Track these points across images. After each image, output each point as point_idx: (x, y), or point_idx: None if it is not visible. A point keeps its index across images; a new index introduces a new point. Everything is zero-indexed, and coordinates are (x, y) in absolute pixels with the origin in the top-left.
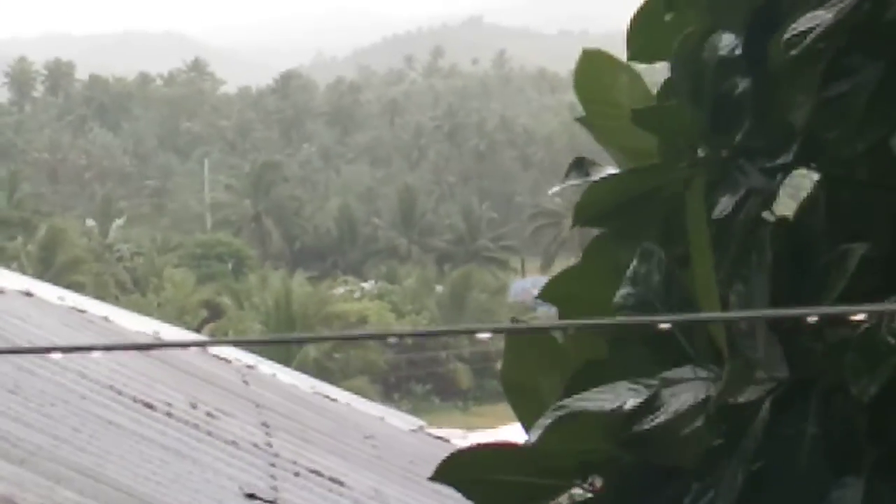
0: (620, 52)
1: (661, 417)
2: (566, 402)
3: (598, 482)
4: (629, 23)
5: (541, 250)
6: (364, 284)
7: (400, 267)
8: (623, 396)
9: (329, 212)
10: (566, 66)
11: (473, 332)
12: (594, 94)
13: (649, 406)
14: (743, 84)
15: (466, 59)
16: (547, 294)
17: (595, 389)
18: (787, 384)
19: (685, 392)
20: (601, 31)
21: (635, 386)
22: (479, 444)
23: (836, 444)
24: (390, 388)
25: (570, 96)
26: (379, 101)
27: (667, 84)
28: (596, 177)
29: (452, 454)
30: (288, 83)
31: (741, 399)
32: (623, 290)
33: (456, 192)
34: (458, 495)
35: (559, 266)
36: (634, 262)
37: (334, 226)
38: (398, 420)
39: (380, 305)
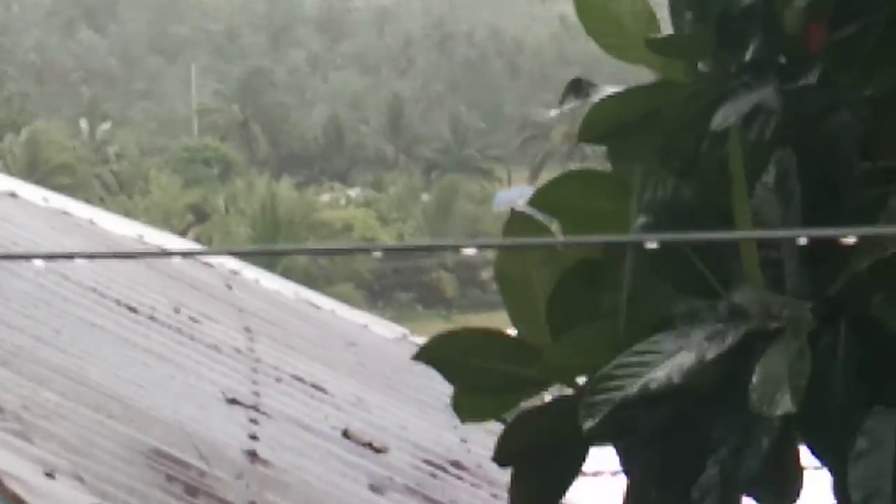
0: None
1: (686, 357)
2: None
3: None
4: None
5: (527, 161)
6: (350, 192)
7: (386, 175)
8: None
9: (316, 119)
10: None
11: (460, 247)
12: (595, 12)
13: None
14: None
15: None
16: (539, 201)
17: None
18: (816, 313)
19: (709, 325)
20: None
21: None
22: (467, 328)
23: (867, 374)
24: (374, 296)
25: (561, 7)
26: (368, 8)
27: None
28: (595, 97)
29: (439, 335)
30: None
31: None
32: (640, 220)
33: (444, 102)
34: (440, 403)
35: (546, 177)
36: (639, 185)
37: (321, 133)
38: (382, 328)
39: (365, 213)
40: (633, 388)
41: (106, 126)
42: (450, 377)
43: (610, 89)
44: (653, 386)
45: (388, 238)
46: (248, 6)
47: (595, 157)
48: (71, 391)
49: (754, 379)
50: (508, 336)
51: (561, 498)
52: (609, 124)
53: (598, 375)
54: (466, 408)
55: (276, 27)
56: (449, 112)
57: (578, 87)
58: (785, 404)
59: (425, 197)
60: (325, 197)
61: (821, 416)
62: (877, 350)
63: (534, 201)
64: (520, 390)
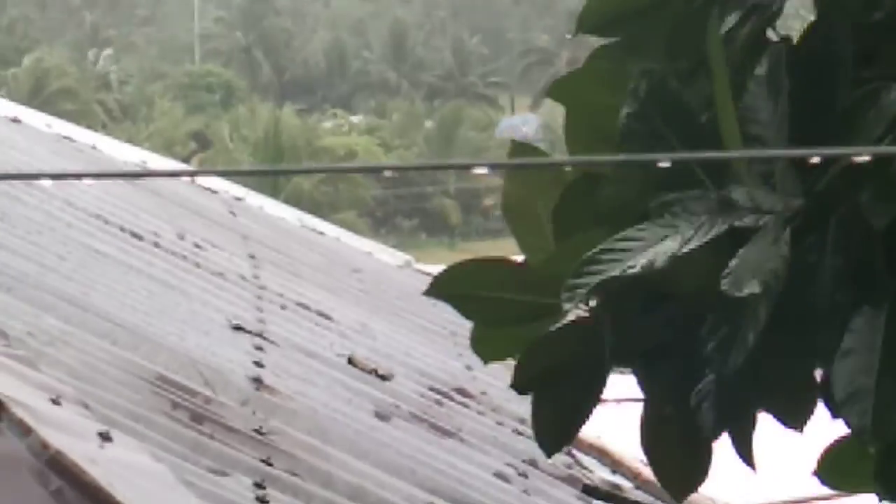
0: None
1: (670, 244)
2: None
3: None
4: None
5: (530, 88)
6: (353, 118)
7: (389, 101)
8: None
9: (319, 45)
10: None
11: (469, 167)
12: None
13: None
14: None
15: None
16: (555, 93)
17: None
18: (804, 212)
19: (696, 216)
20: None
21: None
22: (476, 259)
23: (855, 274)
24: (378, 223)
25: None
26: None
27: None
28: None
29: (449, 267)
30: None
31: (760, 224)
32: (625, 110)
33: (447, 28)
34: (445, 330)
35: (548, 104)
36: (635, 81)
37: (324, 59)
38: (386, 255)
39: (368, 140)
40: (615, 271)
41: (108, 52)
42: (461, 309)
43: None
44: (635, 269)
45: None
46: None
47: None
48: (76, 318)
49: (730, 264)
50: (519, 264)
51: (584, 422)
52: (611, 13)
53: (580, 260)
54: (487, 345)
55: None
56: (451, 38)
57: None
58: (752, 286)
59: (428, 124)
60: (328, 123)
61: (808, 315)
62: (864, 249)
63: (551, 93)
64: (536, 317)
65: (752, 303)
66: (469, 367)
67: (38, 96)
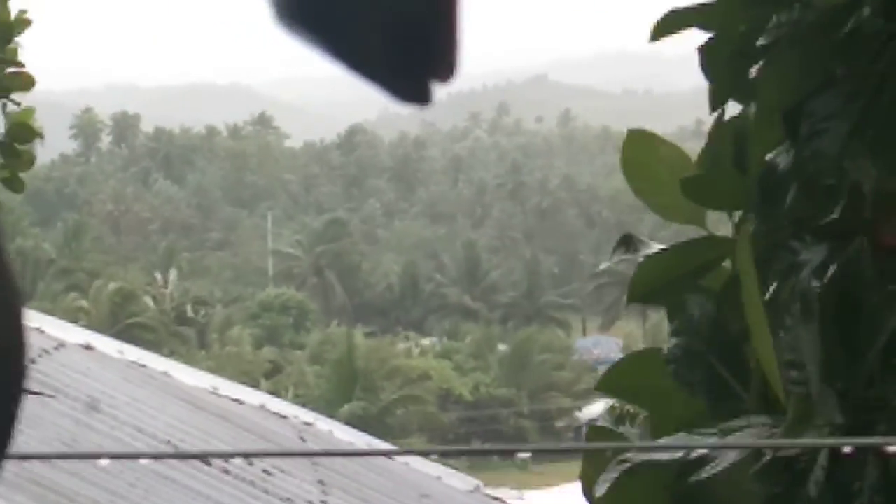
0: (683, 111)
1: (718, 467)
2: (627, 455)
3: None
4: None
5: (602, 309)
6: (424, 341)
7: (462, 324)
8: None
9: (391, 267)
10: (630, 124)
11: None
12: (639, 171)
13: (706, 457)
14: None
15: (531, 117)
16: (604, 386)
17: (657, 442)
18: (843, 431)
19: (742, 441)
20: (664, 90)
21: (695, 436)
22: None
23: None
24: (449, 444)
25: None
26: (443, 157)
27: (706, 152)
28: (643, 254)
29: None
30: (353, 138)
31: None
32: (671, 342)
33: (519, 250)
34: None
35: (620, 326)
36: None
37: (396, 281)
38: (455, 480)
39: (441, 363)
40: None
41: (182, 276)
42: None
43: (657, 246)
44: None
45: (464, 388)
46: (324, 155)
47: None
48: None
49: None
50: None
51: None
52: (655, 283)
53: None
54: None
55: (351, 176)
56: (524, 260)
57: (629, 242)
58: None
59: (501, 346)
60: (401, 346)
61: None
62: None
63: (600, 386)
64: None
65: None
66: None
67: (115, 324)
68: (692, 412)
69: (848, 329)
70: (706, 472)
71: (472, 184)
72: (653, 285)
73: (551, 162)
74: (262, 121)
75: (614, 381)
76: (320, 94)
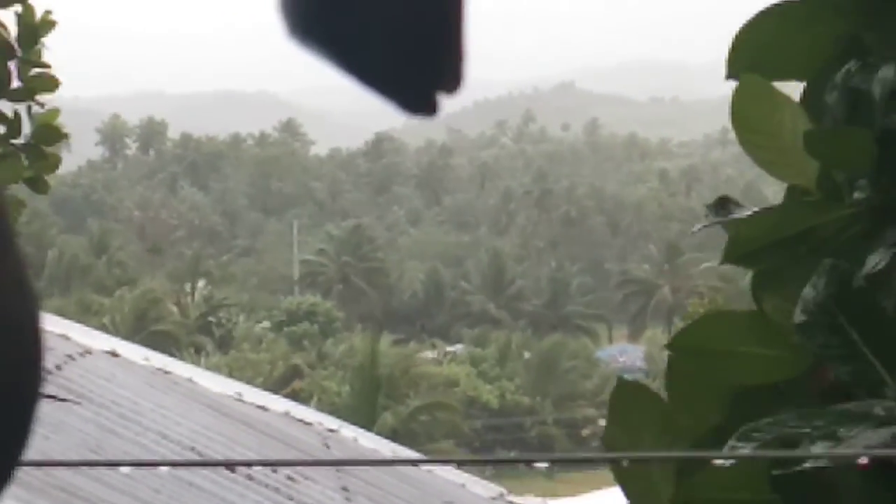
0: (710, 119)
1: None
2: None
3: None
4: (733, 39)
5: (628, 317)
6: (450, 348)
7: (488, 331)
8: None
9: (416, 275)
10: (657, 132)
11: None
12: (752, 123)
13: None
14: None
15: (557, 125)
16: (677, 344)
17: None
18: None
19: (870, 429)
20: (692, 98)
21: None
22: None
23: None
24: (476, 453)
25: (660, 163)
26: (469, 164)
27: (812, 107)
28: (742, 214)
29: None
30: (379, 145)
31: None
32: (801, 305)
33: (544, 258)
34: None
35: (647, 334)
36: (817, 274)
37: (421, 289)
38: (479, 487)
39: (468, 369)
40: None
41: (209, 283)
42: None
43: (756, 209)
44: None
45: (490, 395)
46: (350, 163)
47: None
48: None
49: None
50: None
51: None
52: (754, 244)
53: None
54: None
55: (377, 183)
56: (549, 268)
57: (725, 205)
58: None
59: (527, 354)
60: (427, 354)
61: None
62: None
63: (673, 345)
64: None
65: None
66: None
67: (140, 330)
68: (781, 375)
69: None
70: (810, 463)
71: (497, 191)
72: (752, 246)
73: (577, 170)
74: (289, 128)
75: (691, 338)
76: (346, 101)
